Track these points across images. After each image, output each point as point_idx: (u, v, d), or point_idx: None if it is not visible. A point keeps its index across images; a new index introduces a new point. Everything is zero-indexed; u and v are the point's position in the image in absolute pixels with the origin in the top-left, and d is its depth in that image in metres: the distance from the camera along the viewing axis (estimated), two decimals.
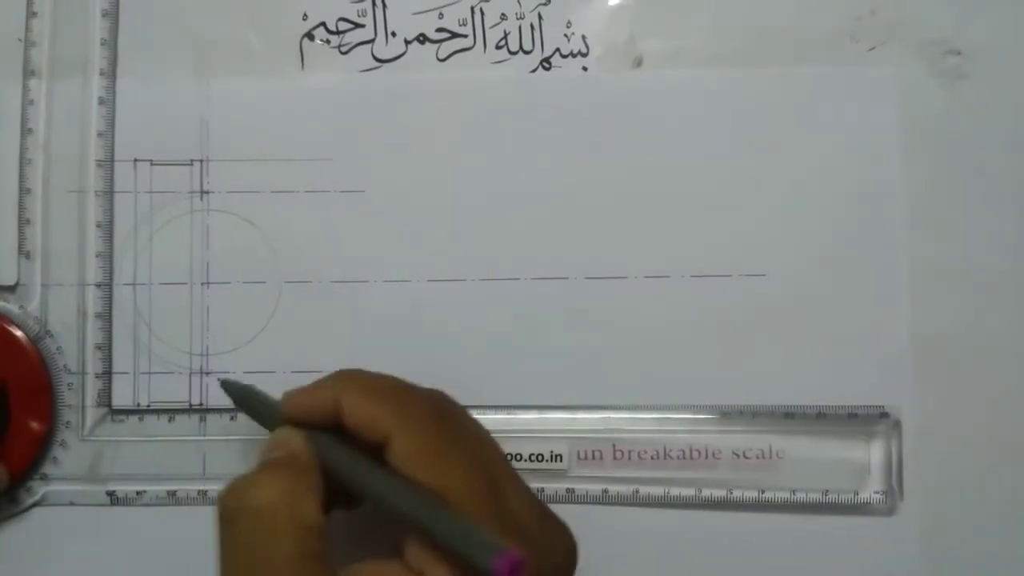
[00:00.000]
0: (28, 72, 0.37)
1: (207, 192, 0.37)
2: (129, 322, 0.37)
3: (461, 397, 0.36)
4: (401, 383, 0.30)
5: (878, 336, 0.36)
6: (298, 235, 0.37)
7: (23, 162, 0.37)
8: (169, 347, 0.37)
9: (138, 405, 0.37)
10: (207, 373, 0.37)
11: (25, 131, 0.37)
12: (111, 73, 0.37)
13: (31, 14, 0.37)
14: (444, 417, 0.28)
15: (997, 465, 0.36)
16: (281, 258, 0.37)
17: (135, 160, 0.37)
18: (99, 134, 0.37)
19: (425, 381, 0.36)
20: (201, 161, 0.37)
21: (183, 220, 0.37)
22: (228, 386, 0.33)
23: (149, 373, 0.37)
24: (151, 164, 0.37)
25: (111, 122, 0.37)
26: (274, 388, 0.36)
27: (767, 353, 0.36)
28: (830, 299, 0.36)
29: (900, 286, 0.36)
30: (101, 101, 0.37)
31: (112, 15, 0.37)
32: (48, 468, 0.36)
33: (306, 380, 0.36)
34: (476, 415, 0.36)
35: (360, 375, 0.30)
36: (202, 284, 0.37)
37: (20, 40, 0.37)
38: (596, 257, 0.37)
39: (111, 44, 0.37)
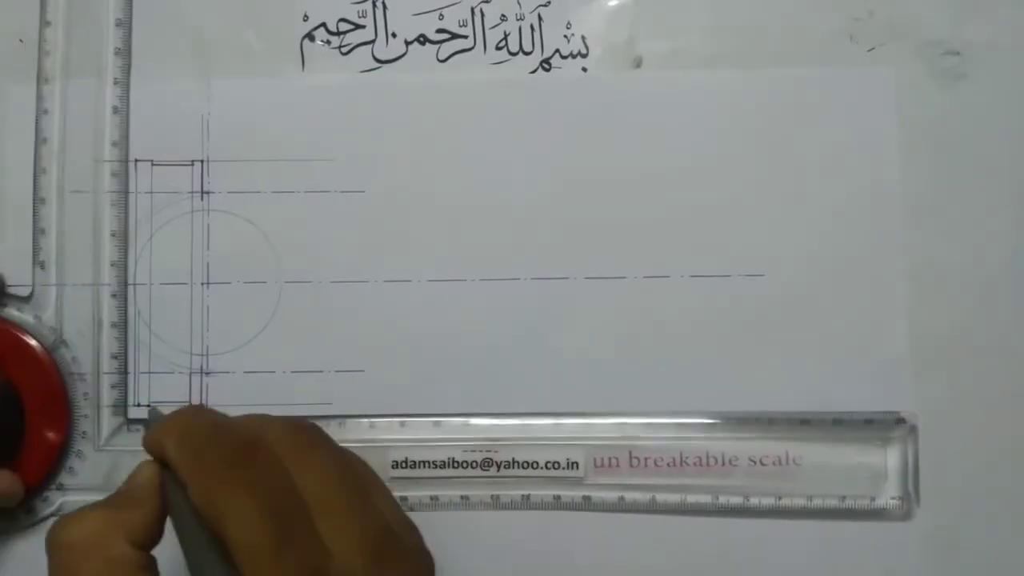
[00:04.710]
0: (42, 80, 0.37)
1: (208, 192, 0.37)
2: (130, 322, 0.37)
3: (459, 397, 0.36)
4: (218, 423, 0.28)
5: (877, 337, 0.36)
6: (298, 235, 0.37)
7: (37, 172, 0.37)
8: (169, 347, 0.37)
9: (138, 403, 0.37)
10: (207, 373, 0.37)
11: (40, 141, 0.37)
12: (125, 82, 0.37)
13: (44, 23, 0.37)
14: (240, 464, 0.26)
15: (1012, 469, 0.36)
16: (281, 258, 0.37)
17: (136, 160, 0.37)
18: (113, 143, 0.37)
19: (424, 382, 0.36)
20: (202, 161, 0.37)
21: (183, 220, 0.37)
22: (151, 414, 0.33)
23: (149, 373, 0.37)
24: (152, 164, 0.37)
25: (125, 131, 0.37)
26: (274, 388, 0.36)
27: (766, 354, 0.36)
28: (828, 299, 0.36)
29: (899, 286, 0.36)
30: (115, 110, 0.37)
31: (126, 24, 0.37)
32: (64, 478, 0.36)
33: (306, 380, 0.36)
34: (480, 421, 0.36)
35: (182, 416, 0.29)
36: (202, 284, 0.37)
37: (21, 41, 0.37)
38: (596, 257, 0.37)
39: (125, 53, 0.37)
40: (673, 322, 0.36)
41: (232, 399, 0.36)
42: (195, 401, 0.37)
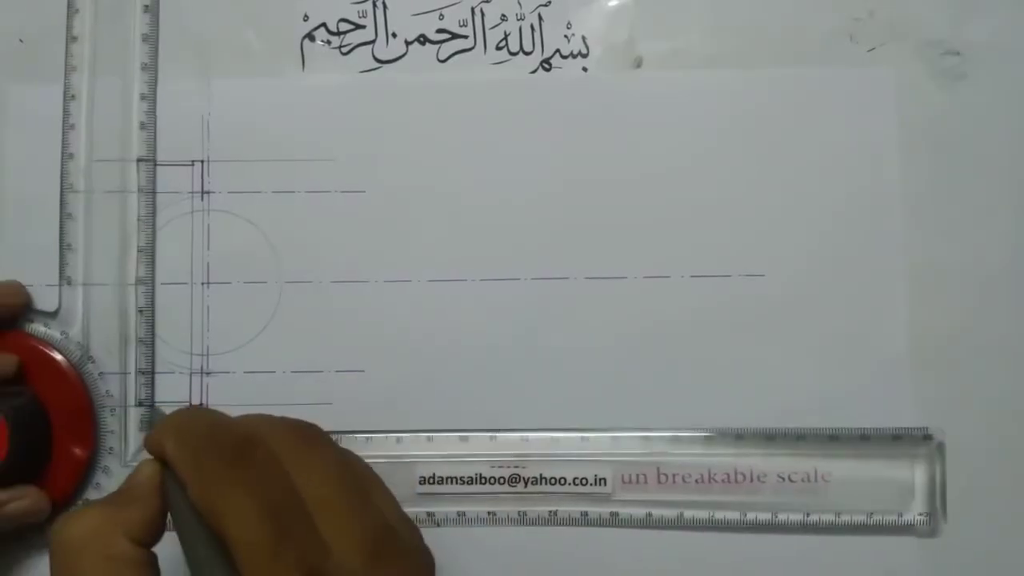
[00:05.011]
0: (68, 96, 0.37)
1: (208, 192, 0.37)
2: (130, 322, 0.37)
3: (460, 398, 0.36)
4: (216, 422, 0.28)
5: (876, 337, 0.36)
6: (298, 235, 0.37)
7: (64, 188, 0.37)
8: (169, 347, 0.37)
9: (139, 403, 0.37)
10: (207, 373, 0.37)
11: (66, 156, 0.37)
12: (152, 97, 0.37)
13: (71, 38, 0.37)
14: (238, 463, 0.26)
15: (1017, 473, 0.36)
16: (281, 258, 0.37)
17: (137, 160, 0.37)
18: (140, 160, 0.37)
19: (424, 383, 0.36)
20: (202, 162, 0.37)
21: (184, 220, 0.37)
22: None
23: (149, 373, 0.37)
24: (153, 164, 0.37)
25: (153, 147, 0.37)
26: (274, 388, 0.36)
27: (765, 355, 0.36)
28: (828, 299, 0.36)
29: (899, 286, 0.36)
30: (143, 126, 0.37)
31: (152, 40, 0.37)
32: (91, 494, 0.36)
33: (306, 380, 0.36)
34: (508, 436, 0.36)
35: (181, 415, 0.29)
36: (202, 284, 0.37)
37: (21, 41, 0.37)
38: (596, 257, 0.37)
39: (152, 68, 0.37)
40: (673, 323, 0.36)
41: (232, 399, 0.36)
42: (195, 401, 0.37)
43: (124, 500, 0.27)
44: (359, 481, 0.29)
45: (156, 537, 0.27)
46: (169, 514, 0.27)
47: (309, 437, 0.29)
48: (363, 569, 0.26)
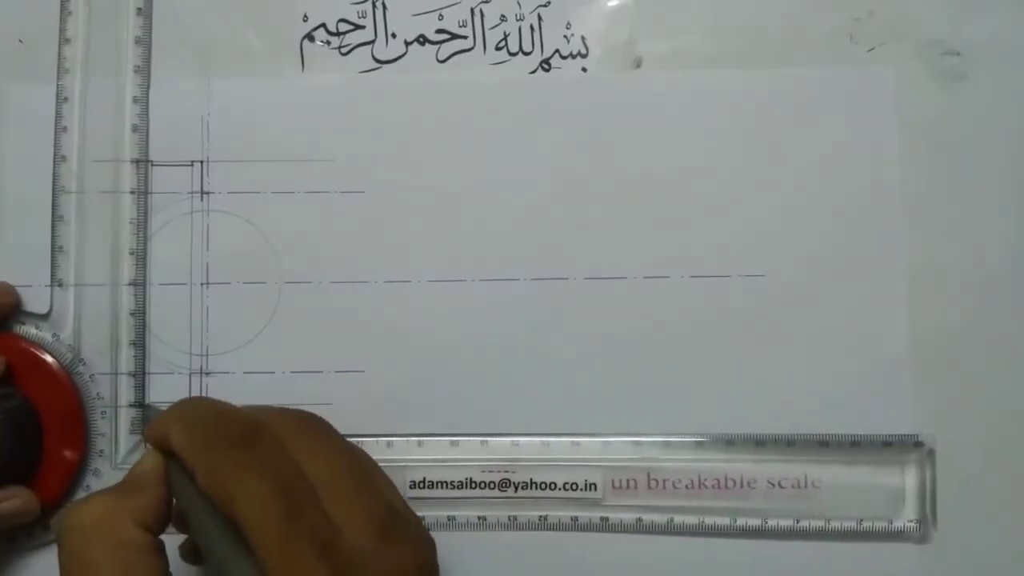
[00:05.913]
0: (61, 99, 0.37)
1: (207, 193, 0.37)
2: (122, 324, 0.37)
3: (457, 399, 0.36)
4: (221, 410, 0.29)
5: (877, 337, 0.36)
6: (298, 235, 0.37)
7: (56, 190, 0.37)
8: (169, 347, 0.37)
9: (138, 403, 0.37)
10: (207, 373, 0.37)
11: (59, 158, 0.37)
12: (144, 100, 0.37)
13: (64, 40, 0.37)
14: (245, 446, 0.27)
15: (1018, 475, 0.36)
16: (281, 258, 0.37)
17: (136, 161, 0.37)
18: (133, 161, 0.37)
19: (424, 383, 0.36)
20: (201, 162, 0.37)
21: (183, 221, 0.37)
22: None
23: (149, 373, 0.37)
24: (151, 164, 0.37)
25: (145, 150, 0.37)
26: (274, 388, 0.36)
27: (765, 355, 0.36)
28: (828, 299, 0.36)
29: (899, 286, 0.36)
30: (135, 128, 0.37)
31: (145, 42, 0.37)
32: (81, 496, 0.36)
33: (306, 380, 0.36)
34: (498, 441, 0.36)
35: (185, 405, 0.29)
36: (202, 284, 0.37)
37: (21, 41, 0.37)
38: (596, 257, 0.37)
39: (144, 71, 0.37)
40: (673, 323, 0.36)
41: (232, 399, 0.36)
42: None
43: (130, 489, 0.28)
44: (363, 466, 0.29)
45: (163, 524, 0.28)
46: (177, 505, 0.28)
47: (312, 424, 0.30)
48: (373, 546, 0.26)
